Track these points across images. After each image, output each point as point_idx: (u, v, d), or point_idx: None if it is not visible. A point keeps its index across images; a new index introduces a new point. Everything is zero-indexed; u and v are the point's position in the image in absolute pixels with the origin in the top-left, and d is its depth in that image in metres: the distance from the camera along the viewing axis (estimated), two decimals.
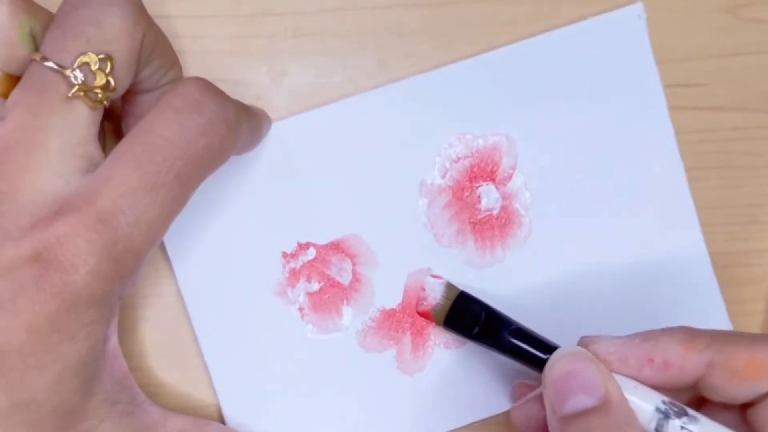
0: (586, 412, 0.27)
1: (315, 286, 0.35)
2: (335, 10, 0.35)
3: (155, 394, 0.35)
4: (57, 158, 0.27)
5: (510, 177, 0.35)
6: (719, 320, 0.36)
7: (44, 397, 0.26)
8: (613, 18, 0.35)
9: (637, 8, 0.35)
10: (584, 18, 0.35)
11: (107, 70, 0.27)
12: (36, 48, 0.29)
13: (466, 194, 0.35)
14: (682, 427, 0.27)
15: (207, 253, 0.34)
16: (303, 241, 0.35)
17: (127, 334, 0.35)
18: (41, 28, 0.29)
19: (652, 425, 0.28)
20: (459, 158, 0.35)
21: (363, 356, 0.35)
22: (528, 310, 0.35)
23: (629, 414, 0.27)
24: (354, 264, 0.35)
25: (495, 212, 0.36)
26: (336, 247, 0.35)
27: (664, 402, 0.28)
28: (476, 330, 0.33)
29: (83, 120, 0.28)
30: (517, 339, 0.32)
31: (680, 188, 0.36)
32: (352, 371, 0.35)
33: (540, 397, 0.30)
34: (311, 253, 0.35)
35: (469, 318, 0.33)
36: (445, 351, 0.35)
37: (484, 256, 0.35)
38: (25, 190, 0.27)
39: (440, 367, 0.35)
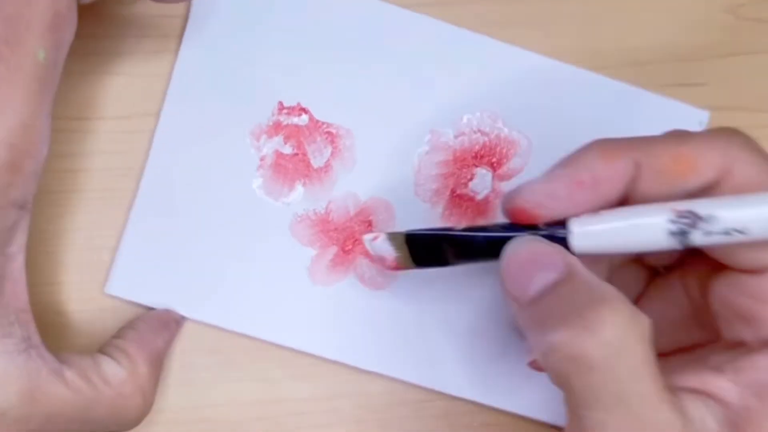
0: (552, 287, 0.25)
1: (287, 150, 0.34)
2: None
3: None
4: None
5: (510, 176, 0.35)
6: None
7: None
8: (677, 108, 0.36)
9: (702, 115, 0.36)
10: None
11: None
12: None
13: (464, 166, 0.35)
14: (706, 234, 0.24)
15: (216, 59, 0.34)
16: (304, 105, 0.34)
17: None
18: None
19: (677, 246, 0.25)
20: (478, 131, 0.35)
21: (285, 238, 0.34)
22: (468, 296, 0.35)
23: (595, 276, 0.25)
24: (332, 155, 0.34)
25: (478, 197, 0.35)
26: (327, 129, 0.34)
27: (672, 221, 0.25)
28: (449, 257, 0.30)
29: None
30: (491, 240, 0.28)
31: None
32: (265, 244, 0.34)
33: None
34: (304, 119, 0.34)
35: (434, 253, 0.30)
36: (358, 284, 0.34)
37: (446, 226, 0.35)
38: None
39: (344, 295, 0.34)
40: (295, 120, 0.34)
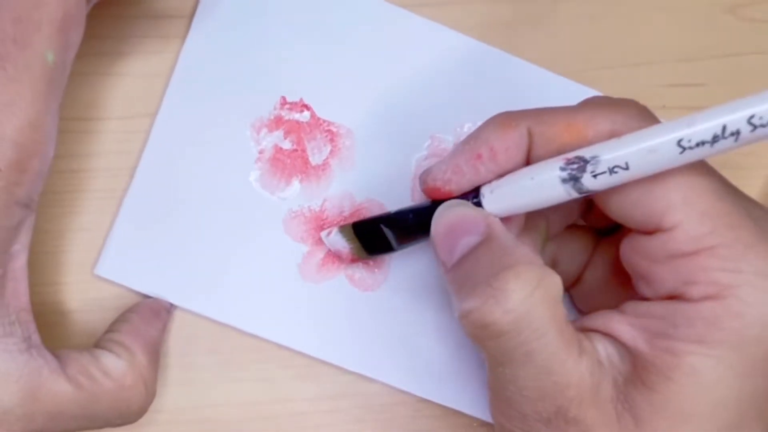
0: (472, 250, 0.27)
1: (286, 145, 0.34)
2: None
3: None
4: None
5: None
6: None
7: None
8: None
9: None
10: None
11: None
12: None
13: None
14: (594, 176, 0.26)
15: (221, 51, 0.34)
16: (306, 101, 0.34)
17: None
18: None
19: (573, 194, 0.26)
20: None
21: (277, 234, 0.34)
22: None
23: (512, 238, 0.27)
24: (331, 154, 0.34)
25: None
26: (328, 127, 0.34)
27: (561, 168, 0.26)
28: (393, 242, 0.31)
29: None
30: (424, 219, 0.30)
31: None
32: (258, 237, 0.34)
33: None
34: (306, 115, 0.34)
35: (379, 239, 0.32)
36: (348, 284, 0.34)
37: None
38: None
39: (333, 294, 0.34)
40: (297, 116, 0.34)
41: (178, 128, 0.34)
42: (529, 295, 0.25)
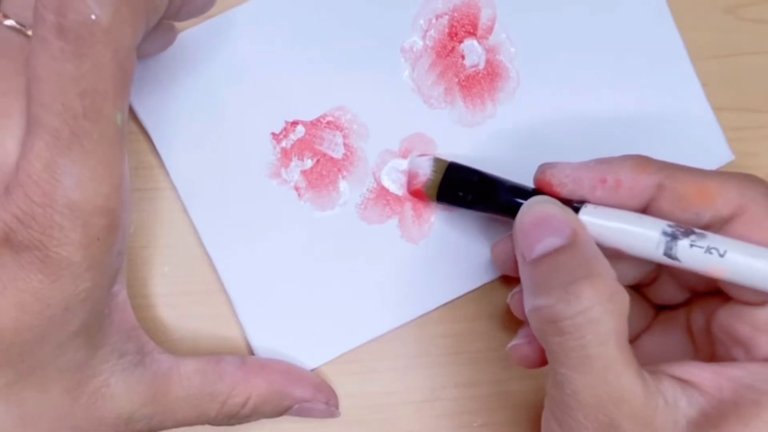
0: (555, 251, 0.27)
1: (308, 164, 0.34)
2: None
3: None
4: (18, 122, 0.25)
5: (491, 29, 0.35)
6: (721, 151, 0.36)
7: (48, 360, 0.26)
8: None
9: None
10: None
11: None
12: None
13: (449, 52, 0.35)
14: (692, 245, 0.27)
15: (195, 142, 0.34)
16: (290, 120, 0.34)
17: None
18: None
19: (660, 250, 0.27)
20: (438, 16, 0.35)
21: (365, 229, 0.35)
22: (522, 164, 0.34)
23: (595, 249, 0.28)
24: (345, 137, 0.35)
25: (480, 67, 0.35)
26: (324, 120, 0.34)
27: (669, 225, 0.28)
28: (470, 197, 0.32)
29: None
30: (513, 196, 0.31)
31: (668, 30, 0.35)
32: (356, 245, 0.35)
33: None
34: (300, 130, 0.34)
35: (461, 186, 0.32)
36: (449, 214, 0.35)
37: (474, 113, 0.35)
38: None
39: (445, 231, 0.35)
40: (294, 137, 0.34)
41: (221, 225, 0.34)
42: (599, 304, 0.26)
